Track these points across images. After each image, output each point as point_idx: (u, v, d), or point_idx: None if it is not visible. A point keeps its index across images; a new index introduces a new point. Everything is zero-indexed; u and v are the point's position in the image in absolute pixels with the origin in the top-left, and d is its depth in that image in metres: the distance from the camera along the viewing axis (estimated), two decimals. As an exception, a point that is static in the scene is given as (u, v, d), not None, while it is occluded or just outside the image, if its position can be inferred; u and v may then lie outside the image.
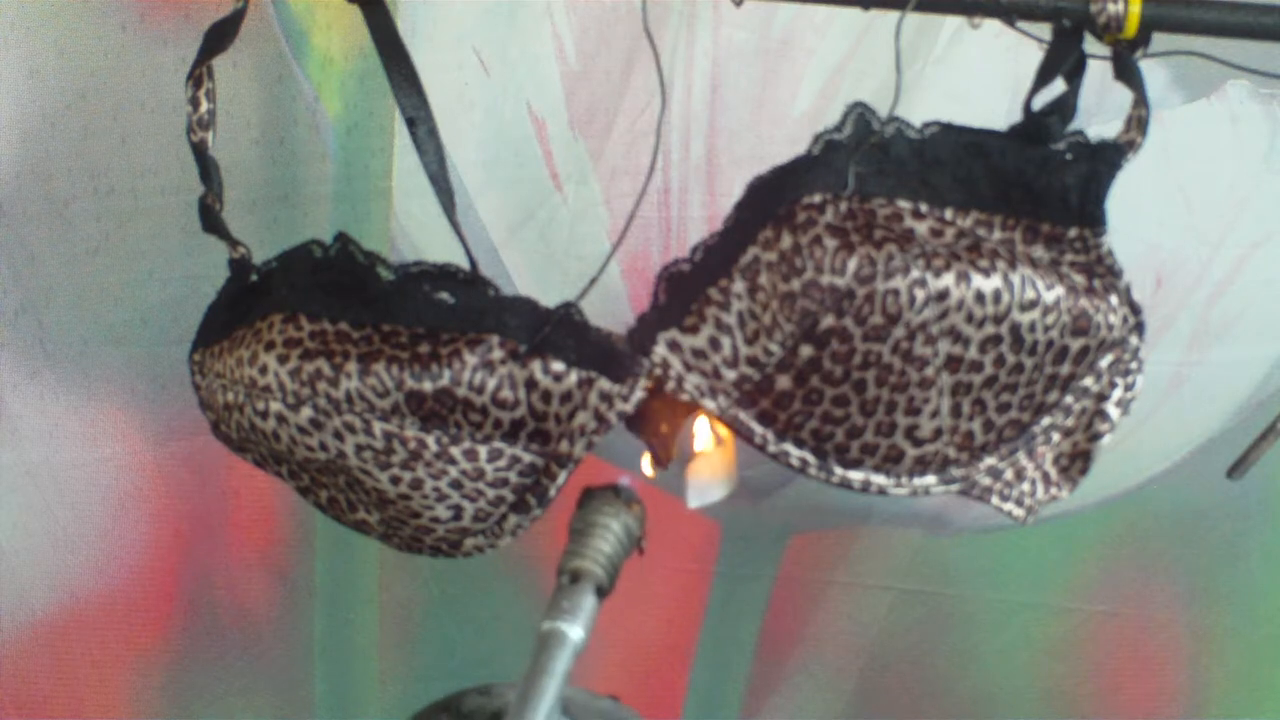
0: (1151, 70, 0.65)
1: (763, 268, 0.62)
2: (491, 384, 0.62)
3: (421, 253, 0.87)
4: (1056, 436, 0.66)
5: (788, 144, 0.64)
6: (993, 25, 0.64)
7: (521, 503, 0.65)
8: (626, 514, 0.61)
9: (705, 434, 0.66)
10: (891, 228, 0.62)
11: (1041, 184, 0.63)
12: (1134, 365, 0.66)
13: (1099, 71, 0.64)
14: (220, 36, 0.66)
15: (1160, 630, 1.05)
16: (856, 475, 0.64)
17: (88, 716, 0.94)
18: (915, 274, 0.61)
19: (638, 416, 0.65)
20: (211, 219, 0.67)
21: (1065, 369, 0.64)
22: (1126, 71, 0.64)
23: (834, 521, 1.01)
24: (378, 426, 0.63)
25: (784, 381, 0.63)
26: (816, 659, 1.03)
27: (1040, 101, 0.63)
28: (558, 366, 0.63)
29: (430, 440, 0.63)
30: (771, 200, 0.63)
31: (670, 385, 0.63)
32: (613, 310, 0.71)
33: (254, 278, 0.67)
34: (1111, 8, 0.63)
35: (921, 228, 0.63)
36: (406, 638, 1.00)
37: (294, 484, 0.68)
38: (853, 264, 0.61)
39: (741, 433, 0.64)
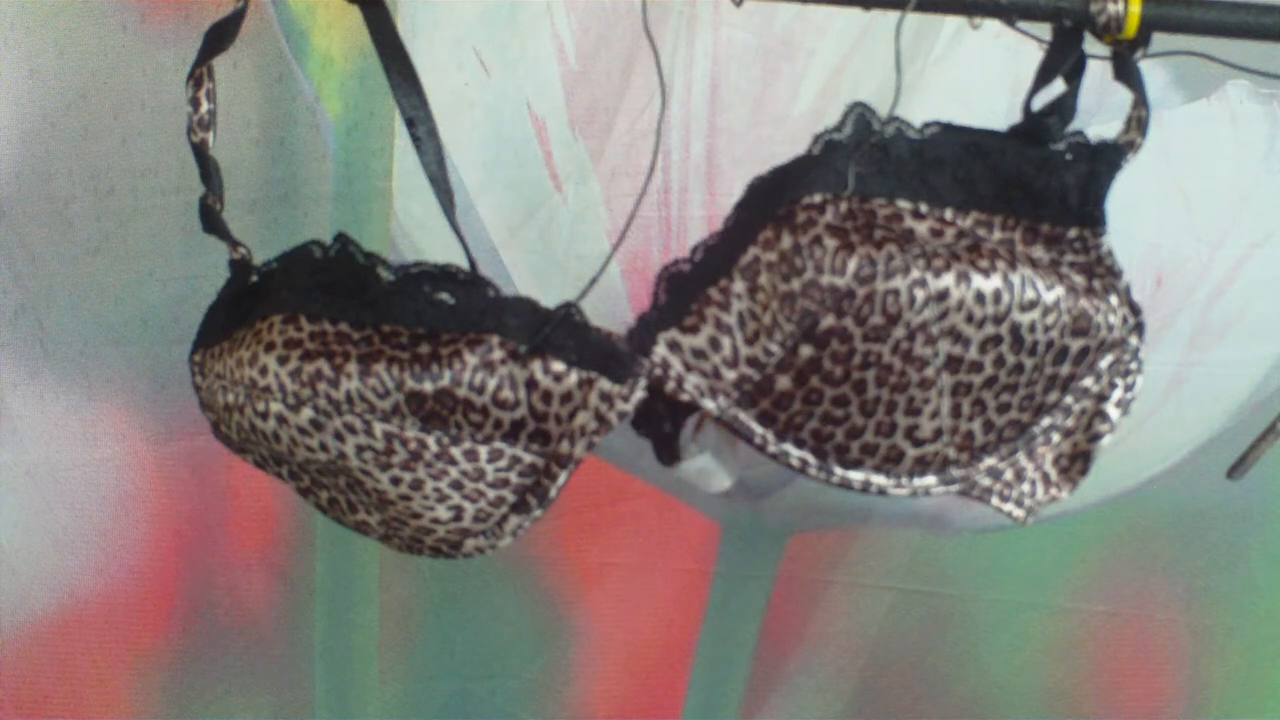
0: (1151, 70, 0.65)
1: (763, 268, 0.62)
2: (492, 384, 0.62)
3: (421, 253, 0.87)
4: (1056, 437, 0.67)
5: (788, 144, 0.64)
6: (993, 25, 0.64)
7: (522, 503, 0.65)
8: None
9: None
10: (891, 228, 0.62)
11: (1041, 184, 0.63)
12: (1134, 365, 0.66)
13: (1099, 71, 0.64)
14: (220, 36, 0.66)
15: (1160, 630, 1.05)
16: (856, 475, 0.64)
17: (88, 716, 0.94)
18: (915, 274, 0.61)
19: (641, 415, 0.65)
20: (212, 219, 0.67)
21: (1065, 369, 0.64)
22: (1126, 72, 0.64)
23: (834, 521, 1.01)
24: (378, 427, 0.63)
25: (784, 382, 0.63)
26: (816, 659, 1.03)
27: (1040, 101, 0.63)
28: (558, 367, 0.63)
29: (431, 441, 0.63)
30: (771, 200, 0.63)
31: (670, 385, 0.63)
32: (613, 310, 0.71)
33: (254, 278, 0.67)
34: (1111, 8, 0.63)
35: (921, 228, 0.63)
36: (406, 638, 1.00)
37: (294, 485, 0.68)
38: (853, 264, 0.61)
39: (741, 433, 0.64)
